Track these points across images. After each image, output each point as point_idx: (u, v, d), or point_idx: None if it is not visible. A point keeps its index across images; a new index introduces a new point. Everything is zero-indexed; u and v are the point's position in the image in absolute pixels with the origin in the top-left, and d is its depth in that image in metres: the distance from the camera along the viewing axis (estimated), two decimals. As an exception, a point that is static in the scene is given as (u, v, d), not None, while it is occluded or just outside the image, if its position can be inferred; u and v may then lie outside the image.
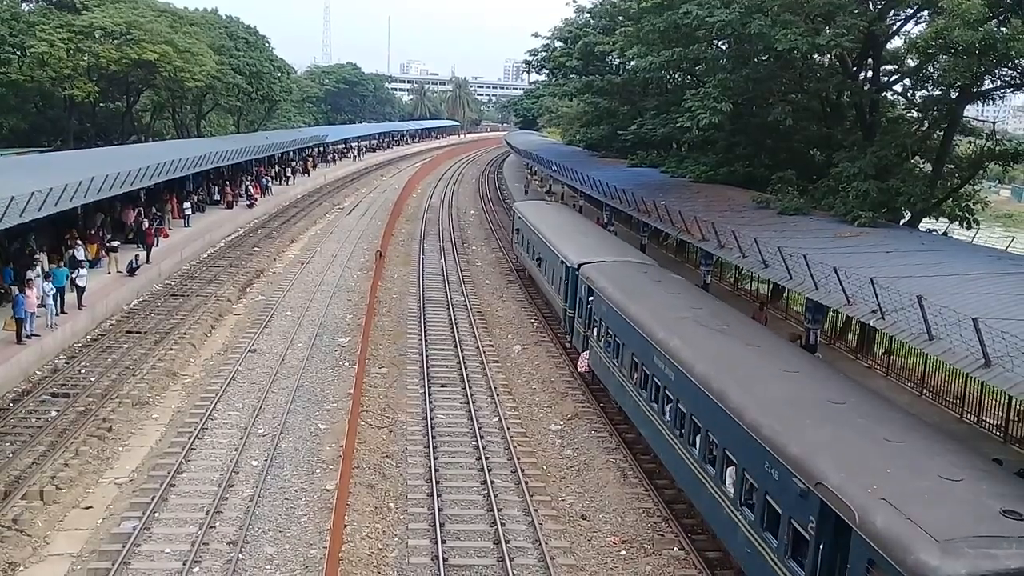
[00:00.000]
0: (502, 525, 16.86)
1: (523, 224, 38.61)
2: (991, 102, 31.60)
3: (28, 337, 24.61)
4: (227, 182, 56.56)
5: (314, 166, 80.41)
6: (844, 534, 10.49)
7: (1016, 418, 21.00)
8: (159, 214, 42.07)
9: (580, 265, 26.76)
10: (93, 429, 20.20)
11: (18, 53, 59.25)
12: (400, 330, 30.73)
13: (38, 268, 27.87)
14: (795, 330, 26.32)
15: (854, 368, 25.62)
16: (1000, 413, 21.47)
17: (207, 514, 16.64)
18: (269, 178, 63.86)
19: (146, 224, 38.60)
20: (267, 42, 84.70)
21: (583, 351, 25.55)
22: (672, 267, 31.19)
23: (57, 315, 26.68)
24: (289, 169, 71.43)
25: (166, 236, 38.89)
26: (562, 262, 28.79)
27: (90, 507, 17.05)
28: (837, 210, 28.32)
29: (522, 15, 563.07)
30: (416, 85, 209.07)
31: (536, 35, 62.74)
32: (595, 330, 23.82)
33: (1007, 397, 19.65)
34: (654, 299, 21.54)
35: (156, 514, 16.62)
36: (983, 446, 18.94)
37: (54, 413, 21.12)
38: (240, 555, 15.39)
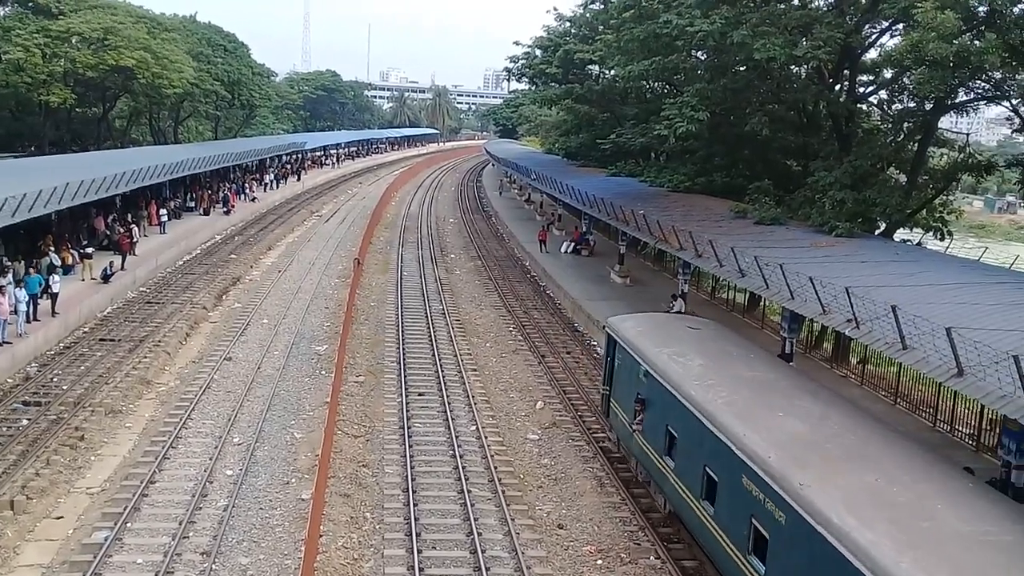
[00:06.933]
0: (479, 534, 16.79)
1: (660, 388, 16.96)
2: (965, 114, 32.05)
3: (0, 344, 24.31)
4: (204, 188, 56.16)
5: (294, 172, 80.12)
6: None
7: (988, 427, 21.20)
8: (133, 221, 41.55)
9: None
10: (65, 438, 19.94)
11: (-7, 58, 58.71)
12: (378, 338, 30.59)
13: (10, 275, 27.55)
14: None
15: (829, 377, 25.80)
16: (972, 422, 21.68)
17: (180, 524, 16.46)
18: (253, 183, 63.49)
19: (121, 231, 38.16)
20: (246, 48, 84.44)
21: None
22: (649, 276, 31.15)
23: (29, 322, 26.35)
24: (270, 176, 71.16)
25: (127, 247, 36.67)
26: None
27: (61, 517, 16.81)
28: (813, 220, 28.54)
29: (502, 25, 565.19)
30: (396, 93, 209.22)
31: (517, 43, 62.92)
32: None
33: (979, 406, 19.83)
34: None
35: (128, 524, 16.42)
36: (955, 455, 19.12)
37: (25, 422, 20.81)
38: (213, 566, 15.23)
